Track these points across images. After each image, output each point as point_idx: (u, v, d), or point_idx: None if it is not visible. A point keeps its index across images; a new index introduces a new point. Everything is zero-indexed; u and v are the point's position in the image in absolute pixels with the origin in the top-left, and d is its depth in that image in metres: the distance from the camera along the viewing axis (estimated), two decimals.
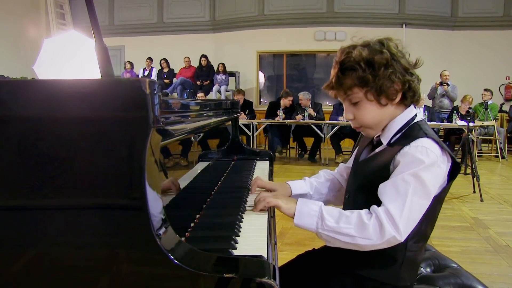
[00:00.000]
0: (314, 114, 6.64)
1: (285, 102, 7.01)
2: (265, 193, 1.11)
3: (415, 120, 1.02)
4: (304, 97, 6.81)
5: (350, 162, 1.24)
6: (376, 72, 0.96)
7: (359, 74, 0.97)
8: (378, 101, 0.99)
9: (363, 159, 1.11)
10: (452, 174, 0.99)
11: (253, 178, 1.36)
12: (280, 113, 6.80)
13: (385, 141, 1.03)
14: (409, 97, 1.00)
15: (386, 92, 0.97)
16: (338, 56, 1.01)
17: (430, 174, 0.92)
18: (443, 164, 0.95)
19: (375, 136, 1.09)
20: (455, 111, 6.44)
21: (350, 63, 0.98)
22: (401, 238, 0.90)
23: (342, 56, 1.00)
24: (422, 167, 0.91)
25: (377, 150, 1.06)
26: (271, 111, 7.11)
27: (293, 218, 0.98)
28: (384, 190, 0.94)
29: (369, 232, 0.90)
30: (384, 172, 0.97)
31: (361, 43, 1.00)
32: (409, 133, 0.99)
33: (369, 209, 0.94)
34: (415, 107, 1.05)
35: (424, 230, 1.00)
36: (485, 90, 7.42)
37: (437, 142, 0.95)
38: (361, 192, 1.04)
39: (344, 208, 1.05)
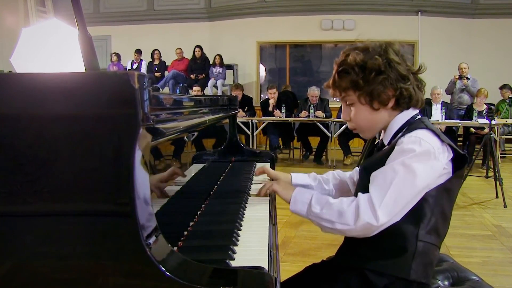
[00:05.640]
0: (322, 114, 6.62)
1: (270, 95, 7.13)
2: (268, 182, 1.31)
3: (418, 117, 1.12)
4: (315, 92, 6.81)
5: None
6: (368, 77, 1.08)
7: (352, 78, 1.09)
8: (371, 105, 1.11)
9: (366, 160, 1.23)
10: (458, 166, 1.08)
11: (255, 171, 1.53)
12: (284, 110, 6.81)
13: (386, 141, 1.15)
14: (403, 103, 1.11)
15: (378, 97, 1.09)
16: (339, 58, 1.14)
17: (420, 163, 1.01)
18: (441, 155, 1.04)
19: (379, 138, 1.19)
20: (474, 110, 6.41)
21: (346, 66, 1.10)
22: (377, 224, 0.99)
23: (341, 58, 1.13)
24: (411, 155, 1.01)
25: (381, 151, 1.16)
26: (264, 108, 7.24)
27: (289, 204, 1.14)
28: (373, 178, 1.05)
29: (347, 218, 1.02)
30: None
31: (362, 46, 1.12)
32: (410, 128, 1.09)
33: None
34: (418, 109, 1.15)
35: (435, 222, 1.07)
36: (502, 87, 7.28)
37: (436, 134, 1.04)
38: (364, 192, 1.08)
39: None
